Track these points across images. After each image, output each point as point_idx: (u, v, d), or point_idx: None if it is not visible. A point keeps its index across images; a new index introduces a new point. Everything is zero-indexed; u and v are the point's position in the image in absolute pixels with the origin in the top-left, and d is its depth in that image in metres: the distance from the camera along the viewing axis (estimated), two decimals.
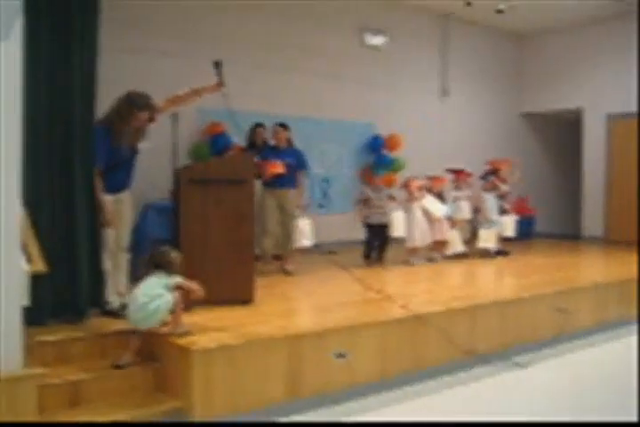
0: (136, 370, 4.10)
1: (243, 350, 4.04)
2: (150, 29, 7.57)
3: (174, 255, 4.36)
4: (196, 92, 5.18)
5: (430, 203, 7.72)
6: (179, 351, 4.00)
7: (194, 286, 4.28)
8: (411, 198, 7.61)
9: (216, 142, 7.83)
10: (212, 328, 4.34)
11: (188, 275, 4.98)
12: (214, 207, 5.04)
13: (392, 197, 7.59)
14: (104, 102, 4.71)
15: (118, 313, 4.61)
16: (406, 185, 7.70)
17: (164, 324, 4.23)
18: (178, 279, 4.25)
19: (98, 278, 4.64)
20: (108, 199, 4.72)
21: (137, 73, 7.16)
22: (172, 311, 4.19)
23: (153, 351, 4.25)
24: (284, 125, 7.20)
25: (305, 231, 6.95)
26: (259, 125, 7.73)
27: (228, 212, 5.07)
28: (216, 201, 5.04)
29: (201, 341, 4.02)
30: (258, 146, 7.58)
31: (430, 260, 7.86)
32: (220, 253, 5.04)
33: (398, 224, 7.48)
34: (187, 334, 4.17)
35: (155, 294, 4.13)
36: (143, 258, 4.62)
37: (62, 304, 4.43)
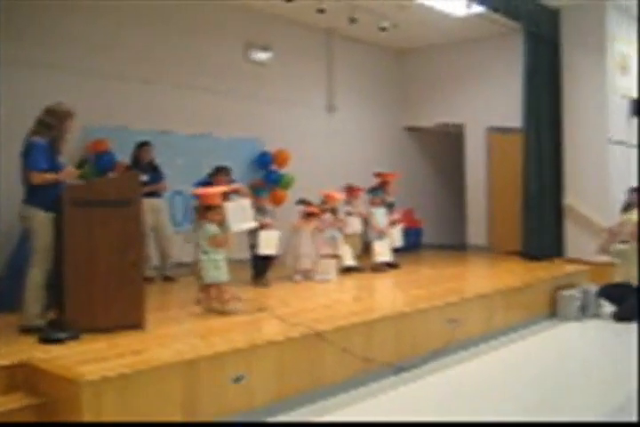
0: (15, 410, 3.82)
1: (135, 379, 3.85)
2: (26, 39, 7.22)
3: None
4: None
5: None
6: (66, 384, 3.76)
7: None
8: (305, 222, 7.55)
9: (100, 161, 7.54)
10: (101, 357, 4.11)
11: (75, 300, 4.75)
12: (100, 229, 4.82)
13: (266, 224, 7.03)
14: None
15: None
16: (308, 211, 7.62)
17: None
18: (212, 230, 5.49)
19: None
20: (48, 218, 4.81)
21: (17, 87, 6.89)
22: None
23: (36, 386, 3.99)
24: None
25: None
26: (145, 144, 7.51)
27: (114, 234, 4.85)
28: (101, 223, 4.83)
29: (90, 371, 3.78)
30: (143, 165, 7.38)
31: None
32: (108, 277, 4.81)
33: (265, 242, 6.96)
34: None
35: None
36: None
37: None
